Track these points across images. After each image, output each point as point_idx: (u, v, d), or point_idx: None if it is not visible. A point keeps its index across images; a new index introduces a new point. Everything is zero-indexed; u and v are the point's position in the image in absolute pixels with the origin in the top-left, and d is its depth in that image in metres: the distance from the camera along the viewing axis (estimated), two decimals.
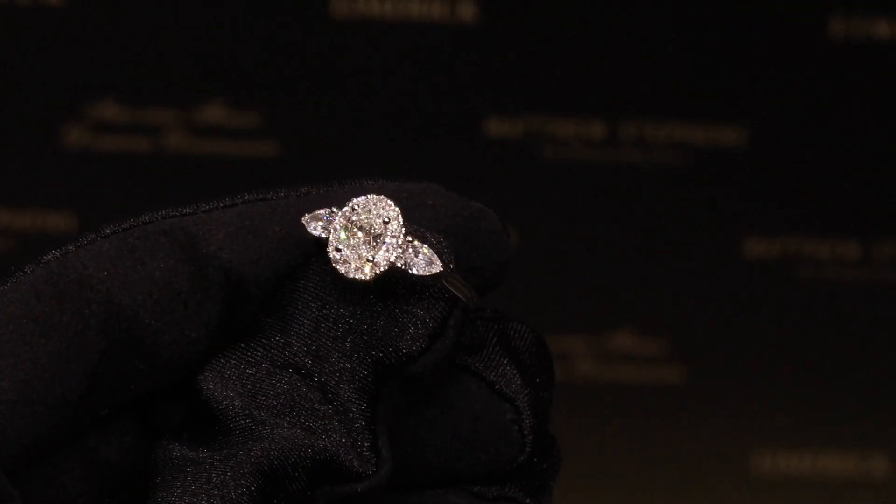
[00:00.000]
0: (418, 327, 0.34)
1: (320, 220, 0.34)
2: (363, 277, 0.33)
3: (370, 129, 0.99)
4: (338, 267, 0.33)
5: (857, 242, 1.02)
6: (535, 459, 0.36)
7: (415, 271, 0.34)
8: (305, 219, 0.34)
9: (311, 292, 0.34)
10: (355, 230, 0.34)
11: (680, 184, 1.01)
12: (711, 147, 1.01)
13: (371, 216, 0.34)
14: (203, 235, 0.33)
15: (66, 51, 0.97)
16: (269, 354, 0.33)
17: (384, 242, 0.34)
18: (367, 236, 0.34)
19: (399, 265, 0.34)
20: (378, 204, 0.34)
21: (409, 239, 0.34)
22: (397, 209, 0.34)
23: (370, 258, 0.33)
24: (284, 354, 0.33)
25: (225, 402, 0.33)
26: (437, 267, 0.34)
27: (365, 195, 0.34)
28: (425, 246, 0.34)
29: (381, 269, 0.33)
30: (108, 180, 0.99)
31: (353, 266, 0.33)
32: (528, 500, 0.36)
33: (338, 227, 0.34)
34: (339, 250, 0.33)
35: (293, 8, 0.98)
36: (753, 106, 1.00)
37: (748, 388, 1.03)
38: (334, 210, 0.34)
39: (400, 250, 0.34)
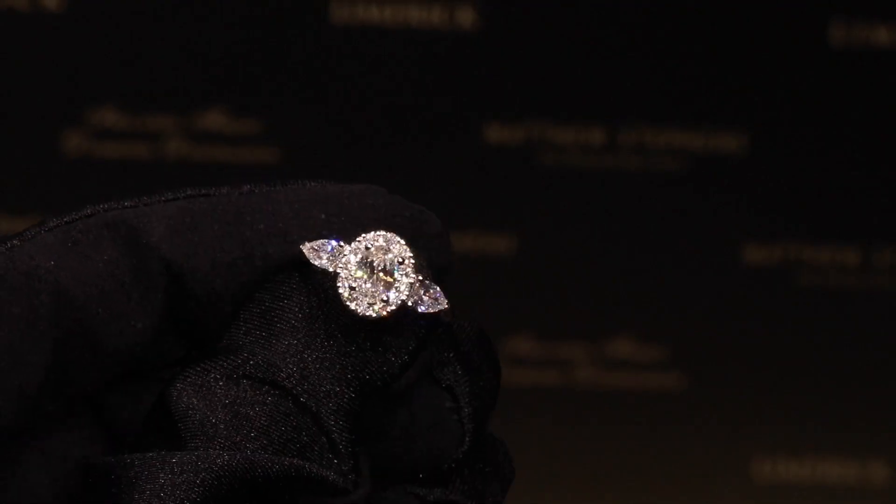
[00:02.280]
0: (402, 347, 0.34)
1: (326, 251, 0.34)
2: (373, 315, 0.34)
3: (370, 135, 0.99)
4: (349, 304, 0.34)
5: (857, 249, 1.02)
6: (479, 461, 0.36)
7: (422, 309, 0.34)
8: (307, 248, 0.34)
9: (298, 313, 0.34)
10: (371, 269, 0.34)
11: (679, 190, 1.01)
12: (711, 153, 1.01)
13: (387, 256, 0.34)
14: (144, 227, 0.34)
15: (66, 57, 0.97)
16: (253, 372, 0.34)
17: (398, 282, 0.34)
18: (383, 276, 0.34)
19: (409, 303, 0.34)
20: (391, 242, 0.34)
21: (421, 278, 0.34)
22: (408, 248, 0.34)
23: (384, 298, 0.34)
24: (270, 372, 0.33)
25: (202, 417, 0.33)
26: (444, 304, 0.34)
27: (375, 231, 0.34)
28: (434, 286, 0.35)
29: (393, 307, 0.34)
30: (108, 187, 0.99)
31: (365, 304, 0.34)
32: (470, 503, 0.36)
33: (352, 264, 0.34)
34: (353, 289, 0.34)
35: (293, 14, 0.98)
36: (753, 112, 1.00)
37: (748, 394, 1.03)
38: (342, 244, 0.34)
39: (412, 289, 0.34)
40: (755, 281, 1.02)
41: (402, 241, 0.34)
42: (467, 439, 0.35)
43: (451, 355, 0.36)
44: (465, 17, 0.99)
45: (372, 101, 0.99)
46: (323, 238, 0.35)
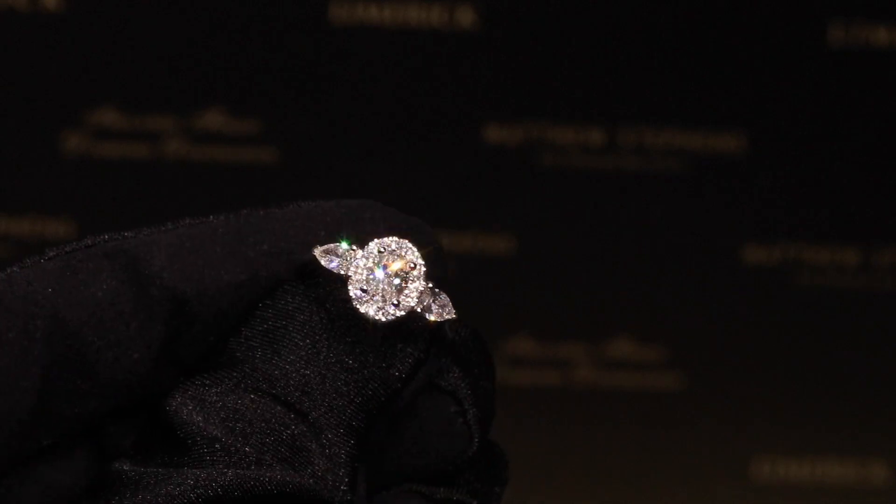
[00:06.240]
0: (406, 360, 0.34)
1: (336, 254, 0.34)
2: (383, 319, 0.34)
3: (369, 135, 0.99)
4: (359, 306, 0.34)
5: (857, 249, 1.02)
6: (483, 461, 0.36)
7: (431, 317, 0.34)
8: (318, 251, 0.34)
9: (300, 326, 0.34)
10: (383, 272, 0.34)
11: (679, 190, 1.01)
12: (710, 154, 1.01)
13: (399, 260, 0.34)
14: (145, 257, 0.34)
15: (66, 57, 0.97)
16: (256, 385, 0.33)
17: (408, 287, 0.34)
18: (395, 280, 0.34)
19: (418, 310, 0.34)
20: (403, 247, 0.34)
21: (430, 285, 0.34)
22: (419, 254, 0.34)
23: (395, 302, 0.34)
24: (271, 386, 0.33)
25: (200, 430, 0.33)
26: (451, 313, 0.34)
27: (388, 237, 0.34)
28: (443, 293, 0.35)
29: (402, 312, 0.34)
30: (107, 187, 0.99)
31: (375, 307, 0.34)
32: (474, 502, 0.36)
33: (364, 267, 0.34)
34: (364, 291, 0.34)
35: (292, 15, 0.98)
36: (752, 113, 1.00)
37: (747, 394, 1.03)
38: (354, 248, 0.34)
39: (422, 296, 0.34)
40: (755, 281, 1.02)
41: (414, 248, 0.34)
42: (476, 441, 0.35)
43: (449, 360, 0.36)
44: (465, 17, 0.99)
45: (371, 102, 0.99)
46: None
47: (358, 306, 0.34)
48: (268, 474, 0.32)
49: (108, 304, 0.33)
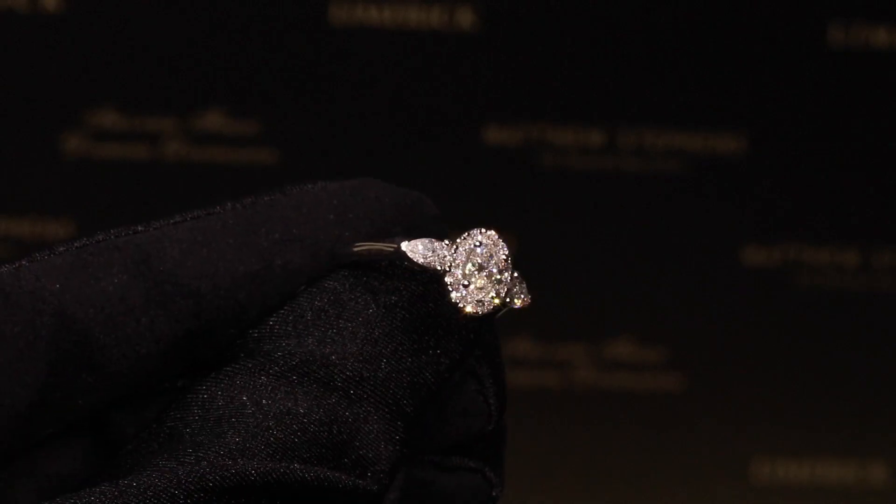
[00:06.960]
0: (456, 346, 0.35)
1: (430, 250, 0.35)
2: (480, 312, 0.35)
3: (369, 136, 0.99)
4: (459, 303, 0.35)
5: (857, 250, 1.02)
6: (495, 430, 0.37)
7: (516, 305, 0.36)
8: (407, 246, 0.35)
9: (354, 314, 0.34)
10: (480, 269, 0.35)
11: (679, 192, 1.01)
12: (710, 155, 1.01)
13: (493, 254, 0.35)
14: (157, 253, 0.34)
15: (66, 58, 0.97)
16: (308, 371, 0.34)
17: (504, 280, 0.35)
18: (494, 274, 0.35)
19: (507, 300, 0.35)
20: (494, 241, 0.35)
21: (516, 275, 0.35)
22: (505, 245, 0.35)
23: (493, 295, 0.35)
24: (327, 373, 0.34)
25: (249, 416, 0.33)
26: (529, 298, 0.36)
27: (477, 230, 0.35)
28: (524, 281, 0.36)
29: (497, 304, 0.35)
30: (107, 188, 0.99)
31: (475, 301, 0.35)
32: (487, 469, 0.36)
33: (461, 263, 0.35)
34: (465, 286, 0.35)
35: (292, 15, 0.98)
36: (752, 114, 1.00)
37: (747, 395, 1.03)
38: (447, 243, 0.35)
39: (512, 285, 0.35)
40: (755, 282, 1.02)
41: (500, 239, 0.35)
42: (494, 419, 0.36)
43: None
44: (465, 19, 0.99)
45: (371, 103, 0.99)
46: (330, 237, 0.35)
47: (459, 303, 0.35)
48: (303, 465, 0.32)
49: (118, 299, 0.33)
